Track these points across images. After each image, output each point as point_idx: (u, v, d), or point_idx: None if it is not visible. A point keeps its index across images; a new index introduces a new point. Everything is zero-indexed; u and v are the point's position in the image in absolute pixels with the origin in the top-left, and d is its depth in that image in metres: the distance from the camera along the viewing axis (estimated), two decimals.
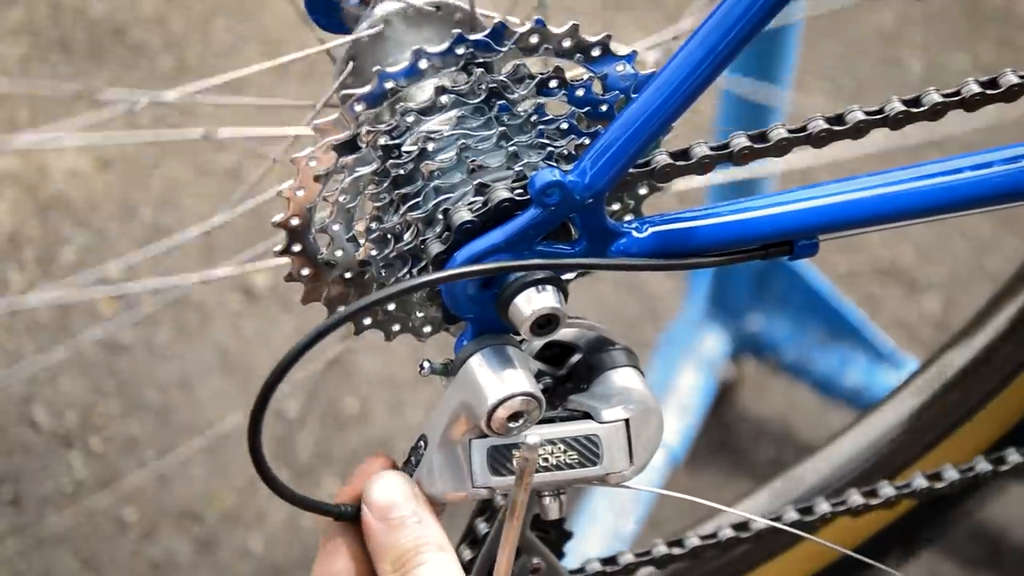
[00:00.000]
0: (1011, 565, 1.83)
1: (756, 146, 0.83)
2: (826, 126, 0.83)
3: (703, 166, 0.83)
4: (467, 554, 0.93)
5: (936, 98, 0.83)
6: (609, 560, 1.01)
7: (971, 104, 0.83)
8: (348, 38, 0.87)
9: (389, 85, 0.82)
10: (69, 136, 0.87)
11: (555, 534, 0.93)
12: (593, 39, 0.84)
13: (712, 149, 0.83)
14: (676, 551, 1.02)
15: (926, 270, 2.16)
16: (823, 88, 2.34)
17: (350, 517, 0.83)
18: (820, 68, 2.33)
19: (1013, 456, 1.06)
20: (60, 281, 1.75)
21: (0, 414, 1.88)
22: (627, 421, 0.82)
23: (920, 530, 1.25)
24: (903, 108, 0.83)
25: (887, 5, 2.47)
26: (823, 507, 1.03)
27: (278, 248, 0.85)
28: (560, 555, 0.94)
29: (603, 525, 1.69)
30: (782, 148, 0.83)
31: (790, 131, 0.83)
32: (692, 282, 1.93)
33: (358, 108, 0.82)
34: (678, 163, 0.82)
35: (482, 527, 0.93)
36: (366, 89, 0.82)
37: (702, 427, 1.85)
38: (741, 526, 1.02)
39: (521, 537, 0.90)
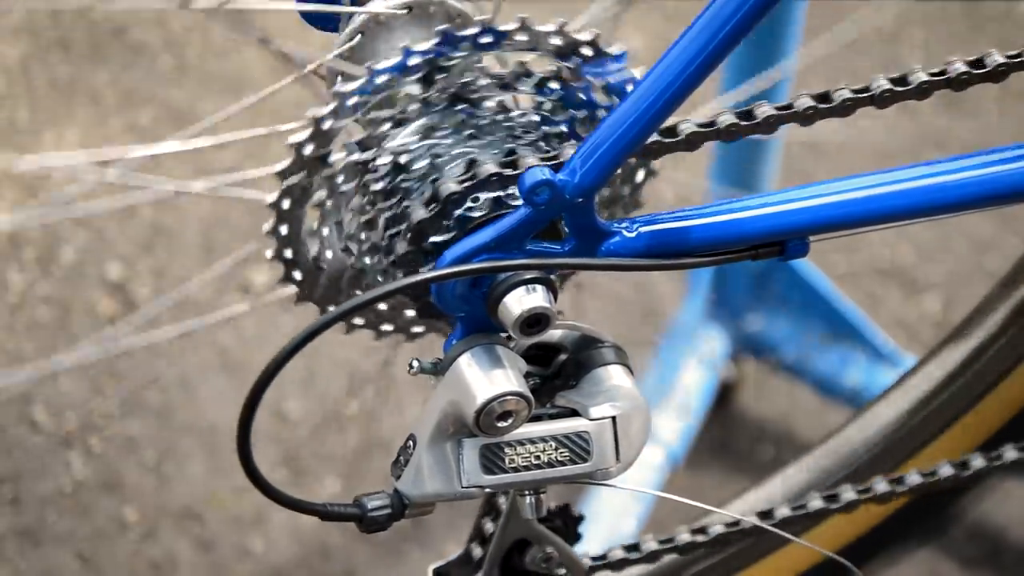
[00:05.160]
0: (1011, 565, 1.83)
1: (743, 124, 0.83)
2: (812, 103, 0.83)
3: (690, 143, 0.83)
4: (477, 552, 0.94)
5: (923, 76, 0.83)
6: (632, 547, 1.01)
7: (958, 84, 0.84)
8: (324, 60, 0.86)
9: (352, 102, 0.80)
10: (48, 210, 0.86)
11: (563, 520, 0.94)
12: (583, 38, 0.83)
13: (699, 126, 0.83)
14: (700, 538, 1.02)
15: (926, 269, 2.15)
16: (823, 87, 2.33)
17: (338, 518, 0.83)
18: (820, 68, 2.33)
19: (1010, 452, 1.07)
20: (94, 336, 1.74)
21: (0, 414, 1.88)
22: (615, 418, 0.82)
23: (912, 529, 1.25)
24: (889, 86, 0.83)
25: (887, 5, 2.46)
26: (816, 503, 1.03)
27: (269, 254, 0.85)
28: (575, 538, 0.95)
29: (603, 524, 1.69)
30: (770, 125, 0.83)
31: (777, 108, 0.83)
32: (692, 282, 1.93)
33: (325, 126, 0.80)
34: (666, 140, 0.83)
35: (489, 526, 0.93)
36: (329, 108, 0.80)
37: (702, 427, 1.85)
38: (763, 514, 1.02)
39: (530, 529, 0.91)
